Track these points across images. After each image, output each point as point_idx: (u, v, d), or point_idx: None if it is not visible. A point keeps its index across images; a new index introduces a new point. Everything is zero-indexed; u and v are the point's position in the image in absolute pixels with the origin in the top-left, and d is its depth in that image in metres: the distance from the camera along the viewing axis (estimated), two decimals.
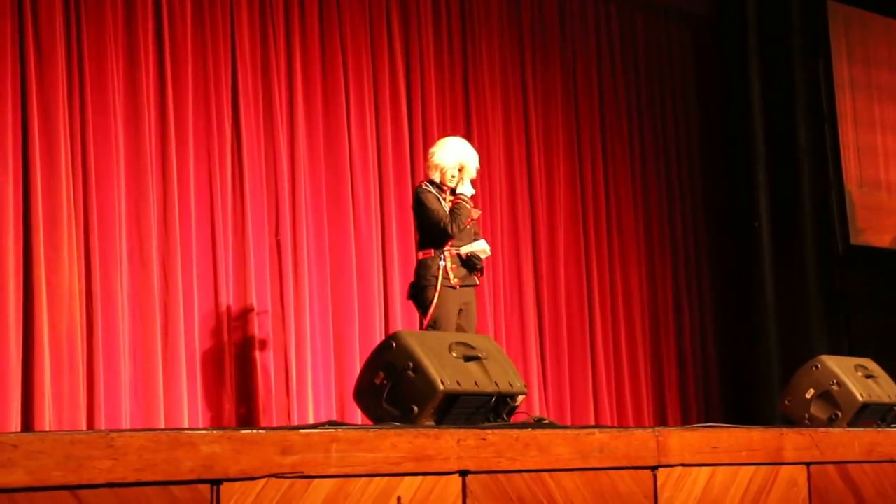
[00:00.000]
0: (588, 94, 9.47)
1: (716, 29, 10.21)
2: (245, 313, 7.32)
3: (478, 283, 6.43)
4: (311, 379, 7.49)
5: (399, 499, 3.47)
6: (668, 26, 10.14)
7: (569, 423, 8.50)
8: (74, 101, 6.80)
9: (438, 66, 8.54)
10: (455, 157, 6.33)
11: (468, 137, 8.13)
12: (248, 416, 7.25)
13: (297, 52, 7.79)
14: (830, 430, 5.04)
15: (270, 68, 7.65)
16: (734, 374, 9.81)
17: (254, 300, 7.34)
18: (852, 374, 6.18)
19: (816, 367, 6.20)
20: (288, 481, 3.24)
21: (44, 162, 6.59)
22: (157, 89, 7.14)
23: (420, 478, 3.53)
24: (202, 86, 7.33)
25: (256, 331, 7.34)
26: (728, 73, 10.04)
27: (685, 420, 9.37)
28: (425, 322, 6.16)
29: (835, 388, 6.07)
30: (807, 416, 6.12)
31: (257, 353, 7.33)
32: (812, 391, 6.13)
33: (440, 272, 6.19)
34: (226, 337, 7.23)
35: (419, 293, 6.28)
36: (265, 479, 3.19)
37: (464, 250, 6.28)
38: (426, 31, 8.50)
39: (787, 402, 6.27)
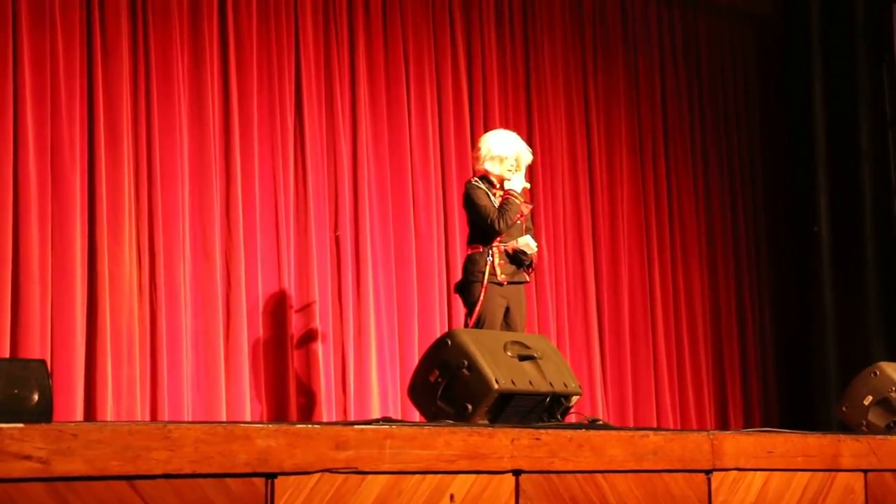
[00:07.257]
0: (650, 95, 9.43)
1: (778, 31, 10.13)
2: (306, 307, 7.36)
3: (527, 280, 6.35)
4: (375, 375, 7.51)
5: (452, 497, 3.49)
6: (731, 27, 10.07)
7: (631, 425, 8.47)
8: (140, 95, 6.87)
9: (500, 63, 8.54)
10: (514, 148, 6.28)
11: (530, 137, 8.16)
12: (307, 411, 7.30)
13: (360, 48, 7.81)
14: (888, 437, 5.00)
15: (333, 64, 7.69)
16: (792, 379, 9.74)
17: (315, 294, 7.37)
18: None
19: (875, 373, 6.15)
20: (342, 476, 3.26)
21: (108, 155, 6.67)
22: (221, 84, 7.21)
23: (473, 476, 3.54)
24: (266, 80, 7.39)
25: (318, 325, 7.37)
26: (790, 75, 9.95)
27: (747, 425, 9.31)
28: (471, 321, 6.11)
29: (893, 394, 6.02)
30: (864, 422, 6.07)
31: (319, 348, 7.36)
32: (870, 398, 6.08)
33: (487, 268, 6.13)
34: (287, 331, 7.28)
35: (466, 289, 6.24)
36: (319, 474, 3.21)
37: (509, 245, 6.23)
38: (488, 29, 8.49)
39: (844, 409, 6.22)
